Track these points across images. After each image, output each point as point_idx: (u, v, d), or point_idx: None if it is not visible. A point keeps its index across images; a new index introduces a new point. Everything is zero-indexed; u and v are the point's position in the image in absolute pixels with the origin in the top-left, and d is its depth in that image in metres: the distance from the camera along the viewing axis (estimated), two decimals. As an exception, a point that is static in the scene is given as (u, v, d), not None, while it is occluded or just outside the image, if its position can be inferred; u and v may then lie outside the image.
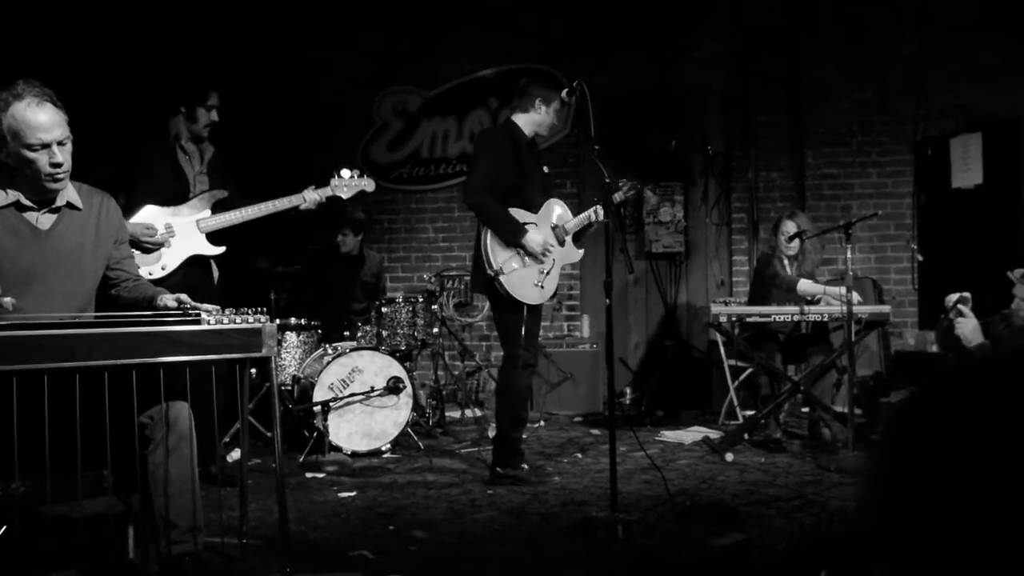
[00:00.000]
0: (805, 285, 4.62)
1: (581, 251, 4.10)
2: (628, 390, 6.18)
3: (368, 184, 3.94)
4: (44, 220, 2.45)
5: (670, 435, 4.86)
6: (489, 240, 3.72)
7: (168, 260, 3.58)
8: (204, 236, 3.65)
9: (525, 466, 3.81)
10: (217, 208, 3.69)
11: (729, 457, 4.14)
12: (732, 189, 6.32)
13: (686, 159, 6.29)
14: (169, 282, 3.47)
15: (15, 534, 2.21)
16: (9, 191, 2.40)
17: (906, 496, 0.51)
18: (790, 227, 4.75)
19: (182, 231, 3.60)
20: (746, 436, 4.51)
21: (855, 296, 4.27)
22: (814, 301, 4.59)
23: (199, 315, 2.24)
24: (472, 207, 3.85)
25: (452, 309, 6.52)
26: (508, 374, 3.84)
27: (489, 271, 3.67)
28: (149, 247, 3.52)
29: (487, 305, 6.49)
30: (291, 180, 3.89)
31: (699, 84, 6.28)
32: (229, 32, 6.17)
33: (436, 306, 5.19)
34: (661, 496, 3.34)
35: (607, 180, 3.18)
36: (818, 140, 6.20)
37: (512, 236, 3.70)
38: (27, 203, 2.41)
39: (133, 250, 3.46)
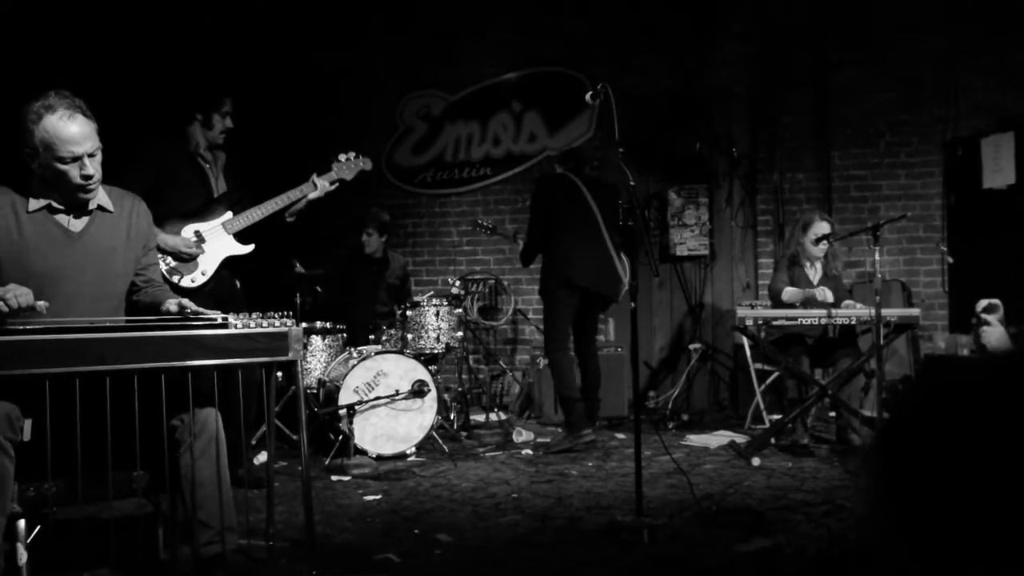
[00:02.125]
0: (788, 294, 4.64)
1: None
2: (653, 394, 6.15)
3: (366, 163, 4.08)
4: (76, 223, 2.48)
5: (695, 439, 4.83)
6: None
7: (206, 266, 3.67)
8: (232, 237, 3.72)
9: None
10: (237, 209, 3.75)
11: (756, 462, 4.10)
12: (757, 191, 6.27)
13: (711, 161, 6.25)
14: (205, 289, 3.57)
15: (48, 534, 2.25)
16: (40, 197, 2.44)
17: (895, 512, 0.51)
18: (823, 227, 4.68)
19: (211, 236, 3.68)
20: (773, 440, 4.47)
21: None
22: (811, 303, 4.55)
23: (225, 320, 2.27)
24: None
25: (477, 313, 6.54)
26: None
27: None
28: (187, 257, 3.60)
29: (511, 309, 6.51)
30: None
31: (723, 85, 6.24)
32: (253, 40, 6.24)
33: (460, 310, 5.20)
34: (687, 500, 3.31)
35: (631, 183, 3.17)
36: (845, 141, 6.13)
37: None
38: (59, 206, 2.45)
39: (174, 261, 3.53)
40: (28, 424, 2.20)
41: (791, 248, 4.81)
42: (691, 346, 6.19)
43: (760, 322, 4.51)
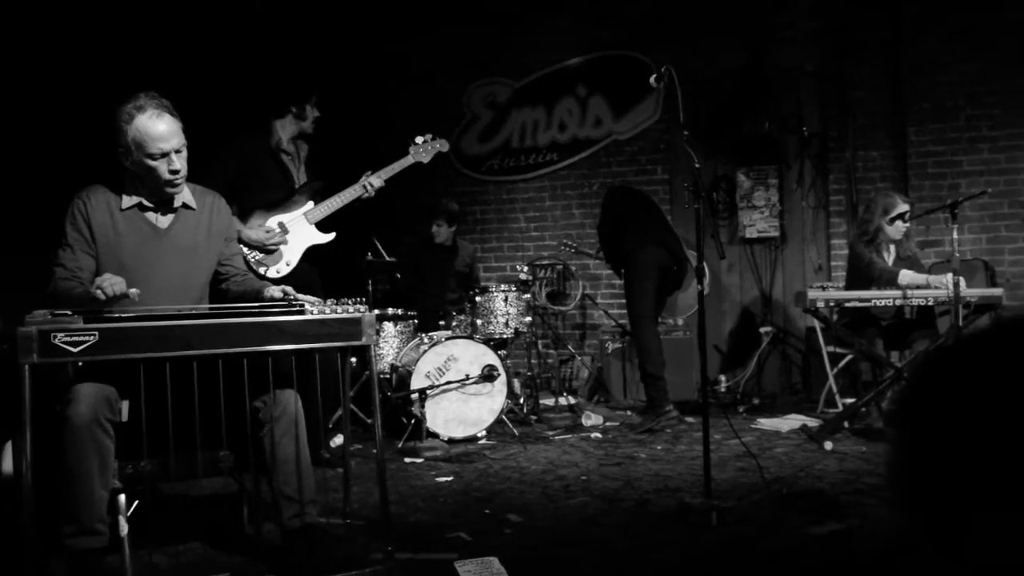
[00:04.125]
0: (907, 276, 4.39)
1: None
2: (723, 377, 6.09)
3: (443, 145, 4.16)
4: (163, 220, 2.64)
5: (766, 423, 4.77)
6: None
7: (290, 256, 3.80)
8: (314, 226, 3.84)
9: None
10: (318, 199, 3.87)
11: (828, 445, 4.04)
12: (829, 171, 6.11)
13: (780, 141, 6.12)
14: (289, 280, 3.68)
15: (146, 508, 2.40)
16: (132, 195, 2.60)
17: (925, 465, 0.52)
18: (901, 206, 4.53)
19: (294, 226, 3.81)
20: (846, 424, 4.38)
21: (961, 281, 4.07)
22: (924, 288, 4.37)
23: (303, 306, 2.37)
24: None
25: (545, 298, 6.57)
26: None
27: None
28: (272, 249, 3.74)
29: (579, 294, 6.53)
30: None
31: (792, 63, 6.09)
32: (325, 32, 6.39)
33: (529, 295, 5.24)
34: (756, 484, 3.29)
35: (697, 165, 3.15)
36: (921, 116, 5.91)
37: None
38: (148, 204, 2.61)
39: (259, 253, 3.68)
40: (125, 405, 2.35)
41: (868, 230, 4.66)
42: (762, 329, 6.10)
43: (832, 304, 4.41)
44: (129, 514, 2.40)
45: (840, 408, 4.86)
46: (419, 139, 4.11)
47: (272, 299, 2.52)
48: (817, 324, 4.97)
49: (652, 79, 3.55)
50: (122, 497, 2.36)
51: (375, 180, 3.91)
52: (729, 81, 6.15)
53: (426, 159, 4.09)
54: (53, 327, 2.04)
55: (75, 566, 2.25)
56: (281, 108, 3.89)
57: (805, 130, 6.06)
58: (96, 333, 2.06)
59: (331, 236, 3.89)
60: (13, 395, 2.10)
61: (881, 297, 4.35)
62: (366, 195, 3.90)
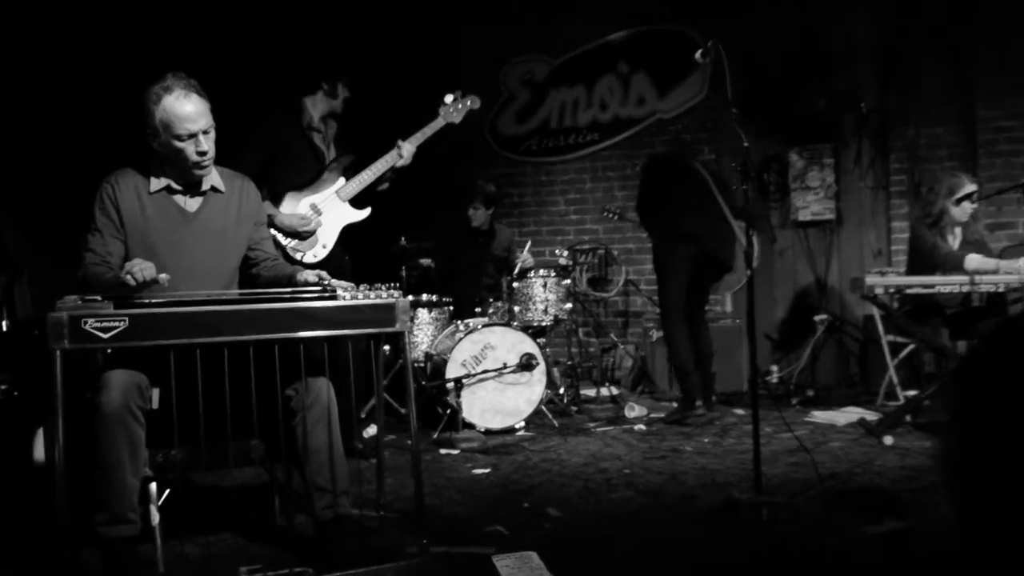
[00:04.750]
0: (975, 261, 4.26)
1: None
2: (775, 368, 6.02)
3: (474, 102, 4.10)
4: (191, 203, 2.68)
5: (821, 416, 4.71)
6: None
7: (326, 238, 3.82)
8: (347, 204, 3.85)
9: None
10: (349, 174, 3.88)
11: (888, 440, 3.97)
12: (889, 149, 5.98)
13: (836, 118, 6.00)
14: (323, 265, 3.69)
15: (176, 498, 2.45)
16: (161, 177, 2.64)
17: (977, 435, 0.51)
18: (968, 186, 4.41)
19: (327, 207, 3.82)
20: (908, 418, 4.30)
21: None
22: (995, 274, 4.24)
23: (335, 291, 2.39)
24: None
25: (586, 284, 6.55)
26: None
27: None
28: (307, 234, 3.75)
29: (622, 280, 6.49)
30: (419, 154, 4.01)
31: (849, 36, 5.95)
32: (353, 9, 6.40)
33: (569, 281, 5.23)
34: (810, 480, 3.25)
35: (746, 145, 3.09)
36: (991, 89, 5.73)
37: None
38: (177, 187, 2.65)
39: (294, 239, 3.71)
40: (156, 393, 2.40)
41: (932, 212, 4.54)
42: (816, 317, 6.01)
43: (892, 290, 4.32)
44: (160, 503, 2.45)
45: (901, 401, 4.77)
46: (448, 98, 4.04)
47: (306, 283, 2.54)
48: (876, 312, 4.89)
49: (698, 54, 3.51)
50: (153, 486, 2.41)
51: (407, 145, 3.89)
52: (781, 55, 6.04)
53: (458, 119, 4.04)
54: (84, 313, 2.09)
55: (108, 555, 2.31)
56: (312, 85, 3.90)
57: (863, 106, 5.93)
58: (126, 319, 2.11)
59: (366, 212, 3.88)
60: (45, 382, 2.15)
61: (946, 283, 4.24)
62: (401, 162, 3.87)
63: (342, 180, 3.86)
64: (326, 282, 2.50)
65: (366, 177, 3.86)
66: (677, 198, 4.81)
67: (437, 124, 4.00)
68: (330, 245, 3.81)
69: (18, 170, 4.23)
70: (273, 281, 2.70)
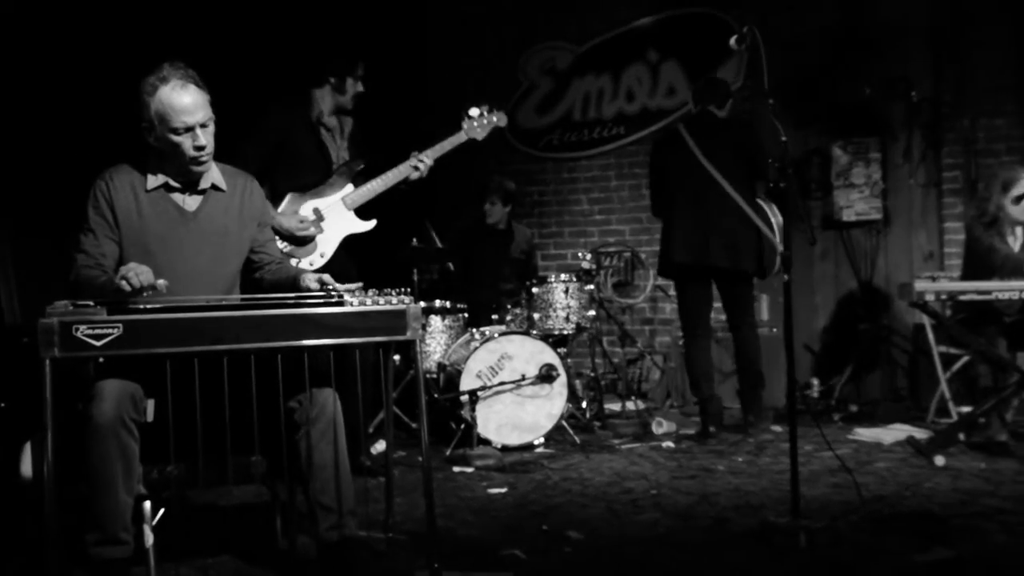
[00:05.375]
0: None
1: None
2: (816, 381, 5.99)
3: (500, 119, 4.13)
4: (190, 202, 2.72)
5: (865, 433, 4.69)
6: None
7: (325, 247, 3.84)
8: (352, 213, 3.88)
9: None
10: (358, 181, 3.91)
11: (939, 461, 3.95)
12: (942, 142, 5.95)
13: (883, 109, 5.98)
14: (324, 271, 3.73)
15: (172, 517, 2.48)
16: (158, 174, 2.67)
17: None
18: None
19: (331, 213, 3.85)
20: (962, 437, 4.28)
21: None
22: None
23: (342, 297, 2.41)
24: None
25: (611, 290, 6.56)
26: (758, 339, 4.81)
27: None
28: (305, 239, 3.79)
29: (649, 285, 6.49)
30: (430, 144, 4.03)
31: (898, 17, 5.93)
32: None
33: (592, 286, 5.24)
34: (852, 502, 3.24)
35: (783, 138, 3.10)
36: (1056, 76, 5.70)
37: None
38: (175, 185, 2.68)
39: (290, 244, 3.75)
40: (151, 404, 2.43)
41: (987, 210, 4.52)
42: (861, 326, 5.98)
43: (944, 297, 4.30)
44: (155, 523, 2.48)
45: (954, 418, 4.75)
46: (473, 111, 4.07)
47: (308, 289, 2.57)
48: (927, 320, 4.86)
49: (732, 41, 3.51)
50: (147, 504, 2.44)
51: (425, 158, 3.91)
52: (823, 39, 6.02)
53: (481, 135, 4.07)
54: (75, 319, 2.13)
55: (98, 578, 2.34)
56: (319, 77, 3.93)
57: (914, 95, 5.90)
58: (120, 325, 2.14)
59: (371, 224, 3.91)
60: (34, 392, 2.19)
61: (1004, 289, 4.20)
62: (417, 175, 3.91)
63: (350, 186, 3.89)
64: (330, 287, 2.53)
65: (375, 186, 3.88)
66: (670, 190, 4.83)
67: (459, 139, 4.03)
68: (328, 254, 3.83)
69: (4, 165, 4.28)
70: (276, 284, 2.73)
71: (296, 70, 4.10)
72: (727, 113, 4.84)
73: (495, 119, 4.11)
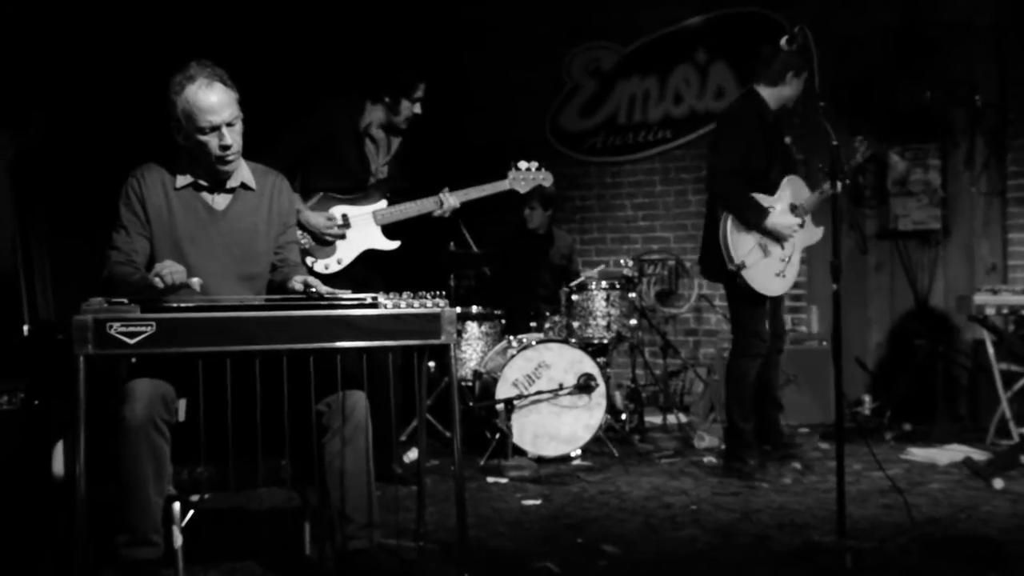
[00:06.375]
0: None
1: (821, 230, 4.39)
2: (868, 398, 5.92)
3: (546, 178, 4.31)
4: (220, 200, 2.79)
5: (919, 453, 4.63)
6: (730, 229, 4.07)
7: (343, 254, 3.91)
8: (379, 229, 3.94)
9: (752, 461, 4.15)
10: (392, 200, 3.97)
11: (999, 484, 3.89)
12: (1007, 148, 5.84)
13: (945, 113, 5.89)
14: (340, 281, 3.76)
15: (200, 519, 2.52)
16: (187, 173, 2.75)
17: None
18: None
19: (358, 223, 3.92)
20: (1023, 459, 4.20)
21: None
22: None
23: (323, 299, 2.48)
24: (717, 194, 4.21)
25: (654, 298, 6.54)
26: (740, 362, 4.24)
27: (731, 266, 3.91)
28: (328, 240, 3.86)
29: (694, 295, 6.47)
30: (470, 154, 4.09)
31: (961, 18, 5.84)
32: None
33: (635, 294, 5.23)
34: (903, 524, 3.21)
35: (834, 143, 3.08)
36: None
37: (757, 219, 4.09)
38: (203, 183, 2.76)
39: (312, 242, 3.81)
40: (183, 404, 2.49)
41: None
42: (917, 341, 5.89)
43: (1006, 311, 4.24)
44: (184, 524, 2.54)
45: (1016, 439, 4.68)
46: (523, 164, 4.23)
47: (293, 291, 2.63)
48: (987, 336, 4.80)
49: (783, 41, 3.51)
50: (176, 505, 2.50)
51: (452, 199, 4.00)
52: (879, 40, 5.96)
53: (524, 189, 4.24)
54: (109, 316, 2.19)
55: (128, 579, 2.39)
56: (375, 92, 3.97)
57: (978, 99, 5.81)
58: (154, 323, 2.20)
59: (394, 245, 3.98)
60: (67, 390, 2.25)
61: (1068, 304, 4.15)
62: (438, 212, 4.01)
63: (383, 203, 3.97)
64: (312, 289, 2.58)
65: (408, 209, 3.98)
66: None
67: (500, 186, 4.16)
68: (345, 262, 3.90)
69: (42, 165, 4.41)
70: (277, 287, 2.79)
71: (355, 74, 4.17)
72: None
73: (541, 177, 4.28)
